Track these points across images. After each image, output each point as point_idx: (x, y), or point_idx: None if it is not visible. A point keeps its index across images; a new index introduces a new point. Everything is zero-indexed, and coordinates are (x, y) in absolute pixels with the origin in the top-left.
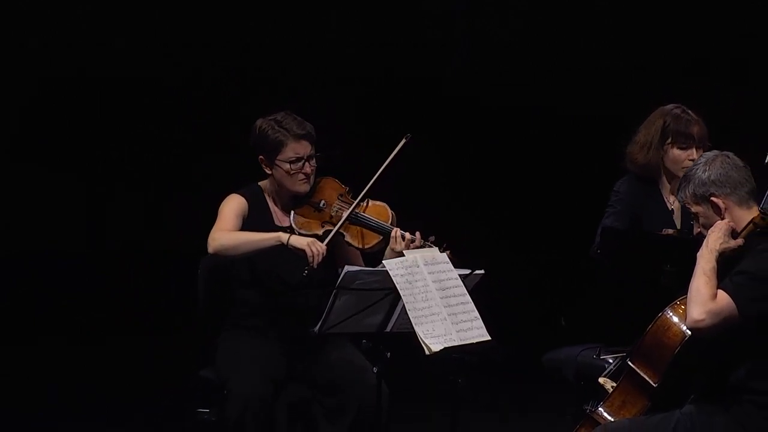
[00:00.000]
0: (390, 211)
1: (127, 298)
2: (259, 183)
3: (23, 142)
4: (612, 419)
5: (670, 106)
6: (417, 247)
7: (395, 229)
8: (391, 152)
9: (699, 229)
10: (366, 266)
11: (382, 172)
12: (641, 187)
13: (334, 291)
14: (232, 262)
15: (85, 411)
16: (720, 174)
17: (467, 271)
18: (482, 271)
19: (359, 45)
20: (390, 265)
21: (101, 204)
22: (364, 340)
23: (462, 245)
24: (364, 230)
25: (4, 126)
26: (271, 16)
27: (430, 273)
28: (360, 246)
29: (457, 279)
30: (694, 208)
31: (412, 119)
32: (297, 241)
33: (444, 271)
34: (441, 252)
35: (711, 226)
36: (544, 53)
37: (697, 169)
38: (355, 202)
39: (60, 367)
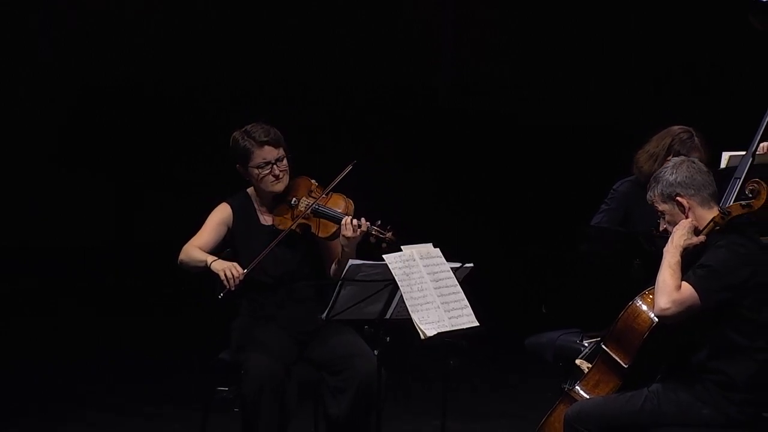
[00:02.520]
0: (346, 201)
1: (151, 288)
2: (247, 189)
3: (61, 147)
4: (588, 396)
5: (678, 129)
6: (363, 232)
7: (346, 217)
8: (339, 175)
9: (665, 226)
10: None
11: (334, 185)
12: (638, 191)
13: (340, 282)
14: (235, 255)
15: (116, 386)
16: (686, 177)
17: (458, 264)
18: (471, 265)
19: (353, 57)
20: (389, 258)
21: (132, 202)
22: (365, 326)
23: (456, 240)
24: (323, 220)
25: (42, 133)
26: (278, 30)
27: (425, 266)
28: (320, 235)
29: (449, 271)
30: (661, 207)
31: (407, 124)
32: (216, 266)
33: (438, 264)
34: (385, 233)
35: (675, 223)
36: (525, 65)
37: (665, 171)
38: (314, 202)
39: (95, 345)
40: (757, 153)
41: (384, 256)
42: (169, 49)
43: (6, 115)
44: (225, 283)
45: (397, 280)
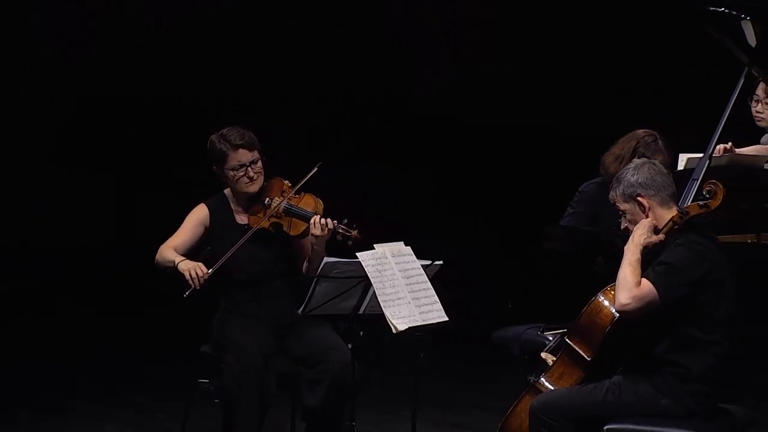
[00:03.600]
0: (315, 201)
1: (136, 285)
2: (224, 190)
3: (61, 148)
4: (552, 388)
5: (643, 132)
6: (330, 230)
7: (315, 216)
8: (306, 175)
9: (626, 225)
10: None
11: (301, 185)
12: (604, 192)
13: (315, 278)
14: (213, 253)
15: (102, 378)
16: (646, 178)
17: (428, 262)
18: (441, 262)
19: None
20: (362, 256)
21: (129, 202)
22: (340, 321)
23: (429, 239)
24: (294, 219)
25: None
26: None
27: (397, 263)
28: (291, 233)
29: (419, 268)
30: (623, 206)
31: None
32: (182, 266)
33: (409, 262)
34: (351, 231)
35: (636, 222)
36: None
37: (627, 172)
38: (281, 201)
39: (85, 340)
40: (714, 155)
41: (357, 254)
42: (168, 51)
43: (7, 115)
44: (190, 282)
45: (370, 277)
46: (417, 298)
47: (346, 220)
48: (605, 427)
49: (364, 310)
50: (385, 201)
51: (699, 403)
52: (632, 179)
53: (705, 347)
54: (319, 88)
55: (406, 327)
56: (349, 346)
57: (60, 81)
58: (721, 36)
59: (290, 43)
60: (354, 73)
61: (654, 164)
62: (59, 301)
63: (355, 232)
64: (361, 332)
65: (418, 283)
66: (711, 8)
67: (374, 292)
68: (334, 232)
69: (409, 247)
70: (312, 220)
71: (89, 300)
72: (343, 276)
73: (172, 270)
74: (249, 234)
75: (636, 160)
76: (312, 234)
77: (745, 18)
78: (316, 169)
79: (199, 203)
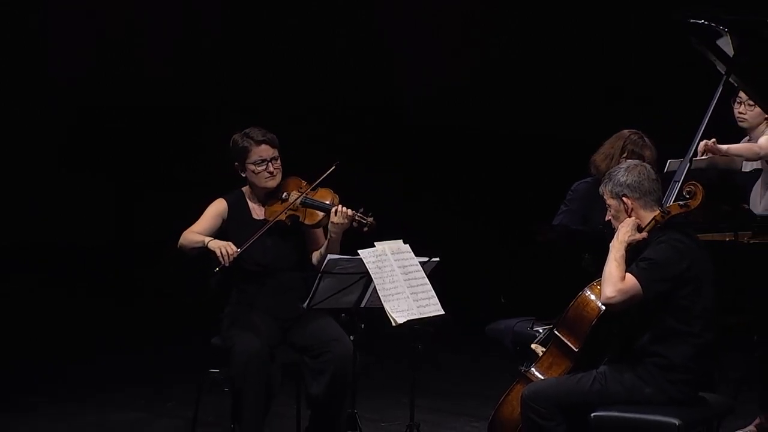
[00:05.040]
0: (332, 194)
1: (150, 281)
2: (242, 188)
3: (67, 152)
4: (542, 377)
5: (628, 132)
6: (350, 218)
7: (337, 206)
8: (324, 173)
9: (609, 217)
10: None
11: (318, 183)
12: (594, 191)
13: (319, 275)
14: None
15: (118, 368)
16: (635, 181)
17: (425, 259)
18: (437, 259)
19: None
20: (364, 254)
21: (131, 203)
22: (342, 314)
23: (425, 237)
24: (310, 210)
25: (52, 140)
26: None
27: (396, 260)
28: (306, 222)
29: (417, 265)
30: (609, 201)
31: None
32: (212, 245)
33: (407, 259)
34: (367, 218)
35: (618, 217)
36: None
37: (619, 171)
38: (299, 196)
39: (102, 332)
40: (694, 159)
41: (359, 251)
42: (168, 61)
43: (15, 122)
44: (220, 259)
45: (370, 273)
46: (415, 293)
47: (362, 209)
48: (592, 414)
49: (365, 304)
50: (382, 201)
51: (680, 391)
52: (622, 179)
53: (685, 339)
54: (315, 91)
55: (405, 320)
56: (351, 337)
57: (64, 89)
58: (701, 46)
59: (287, 45)
60: (347, 76)
61: (645, 168)
62: (73, 294)
63: (371, 219)
64: (362, 325)
65: (416, 278)
66: (692, 21)
67: (375, 287)
68: (351, 219)
69: (407, 245)
70: (333, 209)
71: (104, 294)
72: (346, 272)
73: (200, 250)
74: (271, 222)
75: (630, 161)
76: (332, 222)
77: (723, 30)
78: (333, 167)
79: (217, 198)
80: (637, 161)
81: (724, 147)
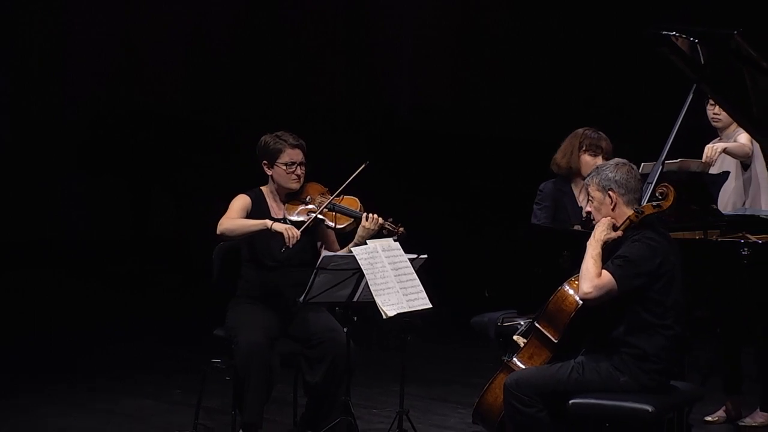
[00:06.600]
0: (359, 203)
1: (159, 274)
2: (261, 187)
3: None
4: (523, 367)
5: (582, 129)
6: (380, 224)
7: (365, 214)
8: (354, 172)
9: (589, 208)
10: (341, 248)
11: (348, 183)
12: (559, 188)
13: (315, 271)
14: (239, 247)
15: (126, 357)
16: (622, 178)
17: (414, 256)
18: (426, 256)
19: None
20: (356, 251)
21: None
22: (337, 308)
23: (415, 235)
24: (338, 215)
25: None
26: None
27: (386, 257)
28: (335, 226)
29: (407, 261)
30: (594, 193)
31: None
32: (277, 226)
33: (397, 255)
34: (396, 227)
35: (600, 209)
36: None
37: (609, 167)
38: (332, 197)
39: (112, 324)
40: (666, 162)
41: (352, 248)
42: (178, 76)
43: (41, 131)
44: (287, 240)
45: (363, 269)
46: (404, 288)
47: (391, 219)
48: (570, 401)
49: (358, 298)
50: (375, 200)
51: (653, 380)
52: (610, 175)
53: (658, 330)
54: (311, 99)
55: (395, 313)
56: (345, 329)
57: (87, 104)
58: (672, 56)
59: (285, 56)
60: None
61: (633, 168)
62: (85, 285)
63: (401, 229)
64: (355, 318)
65: (405, 274)
66: (664, 32)
67: (366, 282)
68: (381, 227)
69: (397, 243)
70: (366, 216)
71: (115, 287)
72: (340, 268)
73: (255, 233)
74: (315, 215)
75: (618, 159)
76: (363, 227)
77: (693, 41)
78: (363, 167)
79: (239, 194)
80: (624, 160)
81: (721, 147)
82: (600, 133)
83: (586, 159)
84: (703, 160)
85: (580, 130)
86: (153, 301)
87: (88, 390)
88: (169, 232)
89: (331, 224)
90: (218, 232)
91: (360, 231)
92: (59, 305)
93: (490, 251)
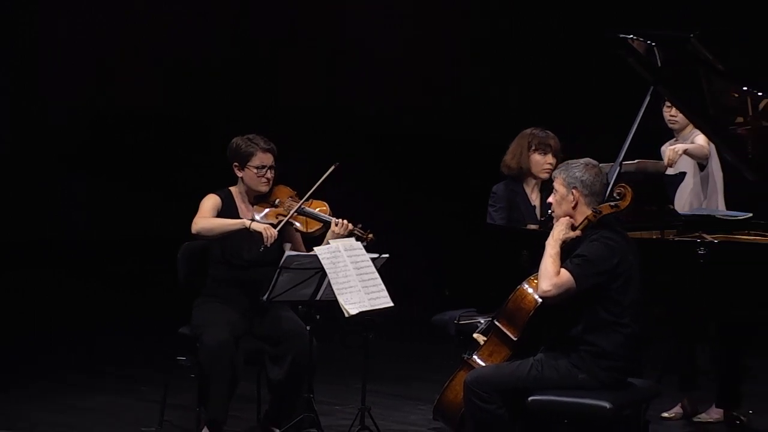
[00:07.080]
0: (328, 207)
1: (126, 273)
2: (230, 188)
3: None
4: (483, 364)
5: (530, 129)
6: (349, 229)
7: (334, 219)
8: (323, 174)
9: (551, 200)
10: (306, 249)
11: (318, 185)
12: (511, 189)
13: (278, 270)
14: (207, 246)
15: (93, 353)
16: (589, 179)
17: (376, 255)
18: (387, 255)
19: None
20: (319, 250)
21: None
22: (300, 306)
23: (377, 235)
24: (309, 219)
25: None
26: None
27: (349, 256)
28: (305, 230)
29: (368, 261)
30: (558, 187)
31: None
32: (256, 226)
33: (359, 255)
34: (365, 234)
35: (561, 203)
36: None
37: (578, 166)
38: (302, 200)
39: (81, 320)
40: (624, 163)
41: (315, 248)
42: (172, 79)
43: (42, 134)
44: (266, 239)
45: (325, 268)
46: (366, 287)
47: (360, 225)
48: (529, 398)
49: (321, 297)
50: (338, 200)
51: (611, 377)
52: (578, 174)
53: (616, 328)
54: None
55: (357, 311)
56: (308, 327)
57: (85, 106)
58: (630, 59)
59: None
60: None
61: (601, 171)
62: (87, 286)
63: (370, 236)
64: (318, 316)
65: (367, 273)
66: (621, 35)
67: (329, 281)
68: (351, 233)
69: (359, 242)
70: (336, 221)
71: (115, 287)
72: (303, 267)
73: (232, 232)
74: (287, 218)
75: (589, 160)
76: (333, 232)
77: (650, 44)
78: (333, 168)
79: (208, 194)
80: (595, 162)
81: (681, 148)
82: (548, 132)
83: (536, 158)
84: (666, 163)
85: (528, 131)
86: (121, 298)
87: (56, 385)
88: (169, 232)
89: (302, 228)
90: (194, 231)
91: (329, 236)
92: (59, 305)
93: (450, 251)
